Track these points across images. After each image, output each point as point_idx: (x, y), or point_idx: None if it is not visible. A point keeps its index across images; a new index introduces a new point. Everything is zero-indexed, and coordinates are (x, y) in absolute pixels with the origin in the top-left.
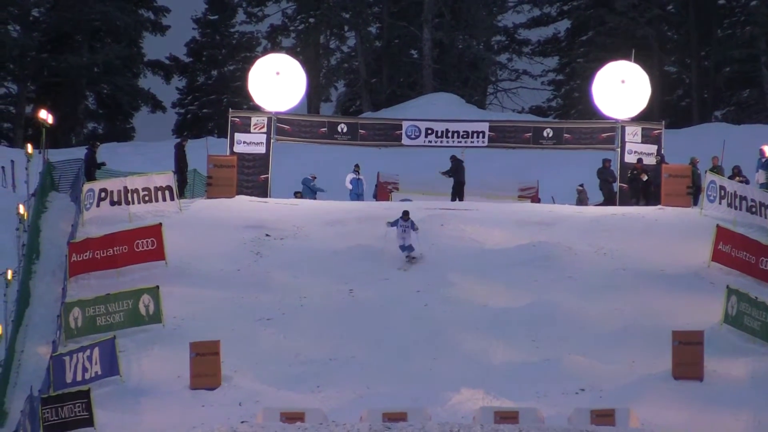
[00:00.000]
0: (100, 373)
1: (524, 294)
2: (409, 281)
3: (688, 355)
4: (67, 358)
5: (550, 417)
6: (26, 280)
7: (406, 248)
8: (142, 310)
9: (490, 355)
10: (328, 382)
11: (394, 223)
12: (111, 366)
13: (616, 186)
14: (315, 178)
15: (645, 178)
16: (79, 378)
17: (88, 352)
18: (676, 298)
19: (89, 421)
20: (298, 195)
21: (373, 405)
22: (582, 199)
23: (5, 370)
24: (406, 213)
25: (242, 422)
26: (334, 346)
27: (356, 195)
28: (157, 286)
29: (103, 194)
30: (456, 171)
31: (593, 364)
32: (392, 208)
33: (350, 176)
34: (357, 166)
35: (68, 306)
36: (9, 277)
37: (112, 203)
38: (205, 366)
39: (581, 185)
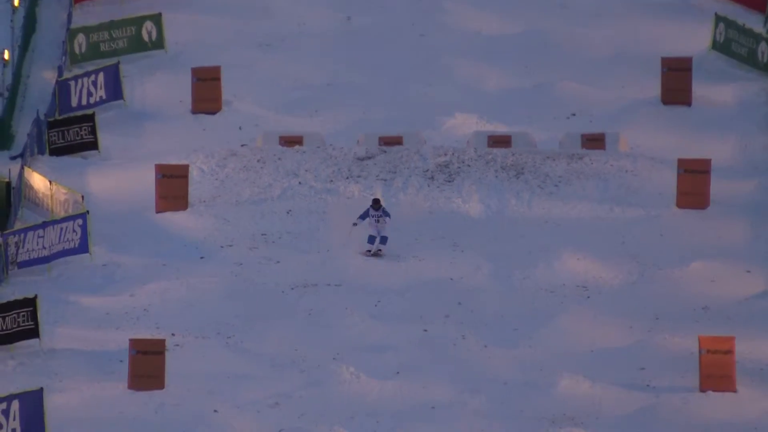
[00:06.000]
0: (104, 97)
1: (517, 21)
2: (405, 8)
3: (676, 80)
4: (72, 83)
5: (541, 141)
6: (32, 6)
7: (379, 239)
8: (145, 37)
9: (484, 81)
10: (326, 107)
11: (363, 216)
12: (115, 90)
13: None
14: None
15: None
16: (84, 102)
17: (92, 77)
18: (664, 25)
19: (94, 144)
20: None
21: (369, 129)
22: None
23: (12, 94)
24: (376, 201)
25: (242, 145)
26: (332, 72)
27: None
28: (160, 13)
29: None
30: None
31: (584, 89)
32: None
33: None
34: None
35: (73, 32)
36: (15, 3)
37: None
38: (206, 91)
39: None
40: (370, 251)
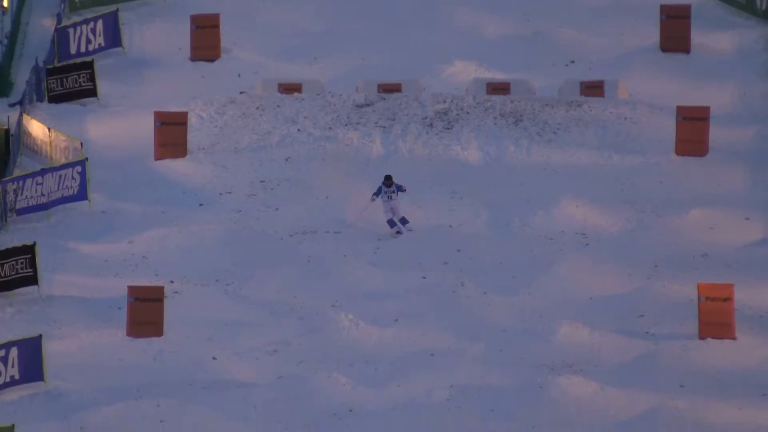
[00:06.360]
0: (103, 45)
1: None
2: None
3: (675, 28)
4: (71, 30)
5: (540, 88)
6: None
7: (395, 224)
8: None
9: (483, 29)
10: (325, 54)
11: (377, 193)
12: (114, 38)
13: None
14: None
15: None
16: (83, 50)
17: (91, 25)
18: None
19: (93, 92)
20: None
21: (368, 76)
22: None
23: (10, 42)
24: (388, 178)
25: (241, 93)
26: (331, 19)
27: None
28: None
29: None
30: None
31: (583, 36)
32: None
33: None
34: None
35: None
36: None
37: None
38: (205, 38)
39: None
40: (400, 232)
